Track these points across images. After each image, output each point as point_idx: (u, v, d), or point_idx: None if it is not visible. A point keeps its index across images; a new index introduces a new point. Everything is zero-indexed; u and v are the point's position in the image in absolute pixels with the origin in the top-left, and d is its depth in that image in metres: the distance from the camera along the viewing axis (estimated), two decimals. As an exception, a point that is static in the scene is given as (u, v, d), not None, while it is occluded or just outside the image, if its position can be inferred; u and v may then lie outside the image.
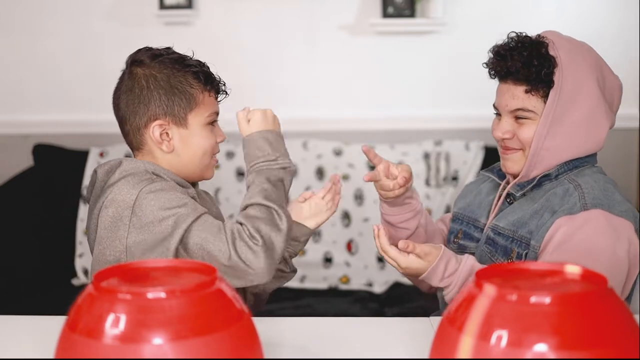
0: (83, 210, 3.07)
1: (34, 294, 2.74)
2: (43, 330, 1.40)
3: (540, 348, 0.92)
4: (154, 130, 1.54)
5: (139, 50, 1.60)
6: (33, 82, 3.35)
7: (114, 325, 0.99)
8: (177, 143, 1.56)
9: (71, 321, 1.04)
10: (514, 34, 1.65)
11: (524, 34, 1.65)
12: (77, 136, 3.30)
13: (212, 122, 1.61)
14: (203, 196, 1.66)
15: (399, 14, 3.21)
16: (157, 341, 0.98)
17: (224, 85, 1.64)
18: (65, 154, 3.22)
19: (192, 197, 1.53)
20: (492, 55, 1.66)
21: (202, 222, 1.44)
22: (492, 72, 1.67)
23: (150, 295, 1.00)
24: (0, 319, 1.48)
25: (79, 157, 3.17)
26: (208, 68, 1.61)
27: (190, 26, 3.28)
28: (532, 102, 1.61)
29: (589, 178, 1.63)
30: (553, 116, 1.61)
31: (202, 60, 1.61)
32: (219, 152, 1.64)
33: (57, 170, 3.15)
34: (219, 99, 1.63)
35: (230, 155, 3.12)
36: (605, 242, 1.52)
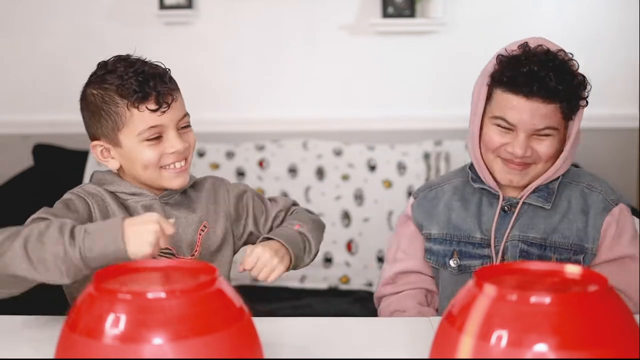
0: (83, 210, 3.07)
1: (34, 294, 2.73)
2: (43, 330, 1.40)
3: (540, 348, 0.92)
4: (95, 150, 1.57)
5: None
6: (33, 82, 3.35)
7: (114, 325, 0.99)
8: (120, 160, 1.55)
9: (71, 321, 1.05)
10: (525, 44, 1.63)
11: (542, 47, 1.62)
12: (77, 136, 3.27)
13: (153, 137, 1.50)
14: (180, 201, 1.61)
15: (399, 14, 3.21)
16: (157, 341, 0.98)
17: (167, 94, 1.50)
18: (65, 154, 3.21)
19: (146, 206, 1.55)
20: (508, 67, 1.62)
21: (38, 220, 1.41)
22: (519, 88, 1.59)
23: (150, 295, 1.01)
24: (0, 319, 1.48)
25: (79, 157, 3.17)
26: (145, 78, 1.49)
27: (190, 26, 3.27)
28: (558, 119, 1.62)
29: (586, 177, 1.74)
30: (575, 133, 1.66)
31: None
32: (178, 160, 1.54)
33: (57, 170, 3.15)
34: (161, 109, 1.49)
35: (230, 155, 3.12)
36: (636, 229, 1.68)
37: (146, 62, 1.55)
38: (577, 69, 1.63)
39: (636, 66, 3.12)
